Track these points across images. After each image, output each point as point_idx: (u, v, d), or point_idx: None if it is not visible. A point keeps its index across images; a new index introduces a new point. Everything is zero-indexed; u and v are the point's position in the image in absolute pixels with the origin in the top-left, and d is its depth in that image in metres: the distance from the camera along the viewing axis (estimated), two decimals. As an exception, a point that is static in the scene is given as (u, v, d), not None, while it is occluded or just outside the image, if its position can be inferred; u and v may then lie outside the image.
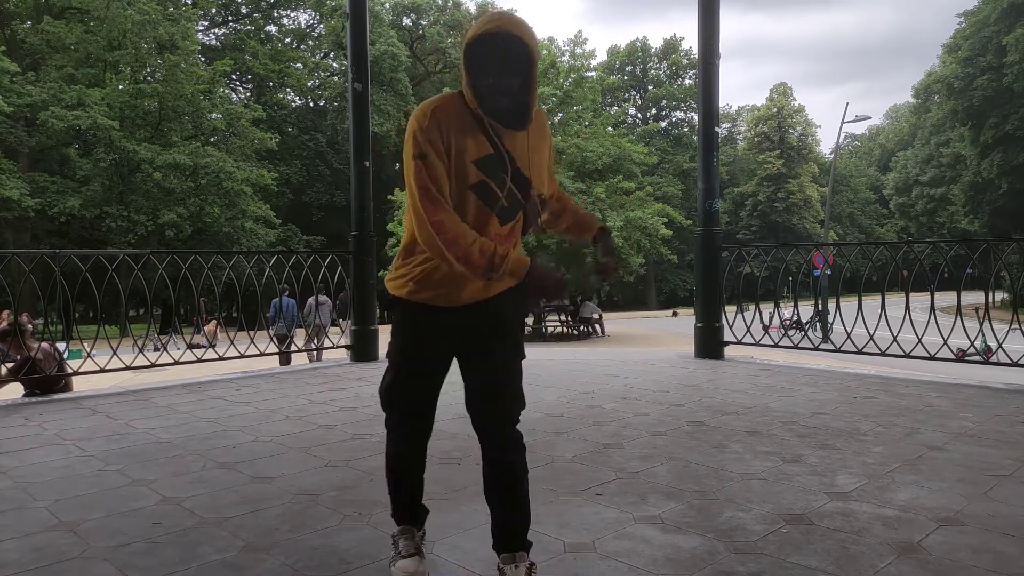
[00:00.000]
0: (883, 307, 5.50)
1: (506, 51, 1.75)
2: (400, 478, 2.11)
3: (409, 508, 2.11)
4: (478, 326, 1.88)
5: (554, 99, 21.62)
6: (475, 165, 1.80)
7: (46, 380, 5.25)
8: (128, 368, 5.46)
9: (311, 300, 11.44)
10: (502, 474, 1.90)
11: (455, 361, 1.96)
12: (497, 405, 1.87)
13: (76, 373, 5.39)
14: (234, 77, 35.74)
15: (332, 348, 6.97)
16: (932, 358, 5.44)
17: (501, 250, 1.73)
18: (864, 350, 5.78)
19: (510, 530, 1.91)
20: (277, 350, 7.10)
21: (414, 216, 1.79)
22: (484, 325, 1.88)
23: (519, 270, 1.73)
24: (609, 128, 25.94)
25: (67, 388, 5.55)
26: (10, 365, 5.32)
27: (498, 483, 1.91)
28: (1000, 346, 5.16)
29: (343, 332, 7.26)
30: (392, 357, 2.01)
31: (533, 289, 1.76)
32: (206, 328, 14.79)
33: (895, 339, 5.49)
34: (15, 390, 5.39)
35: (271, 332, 7.24)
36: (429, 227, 1.73)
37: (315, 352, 6.93)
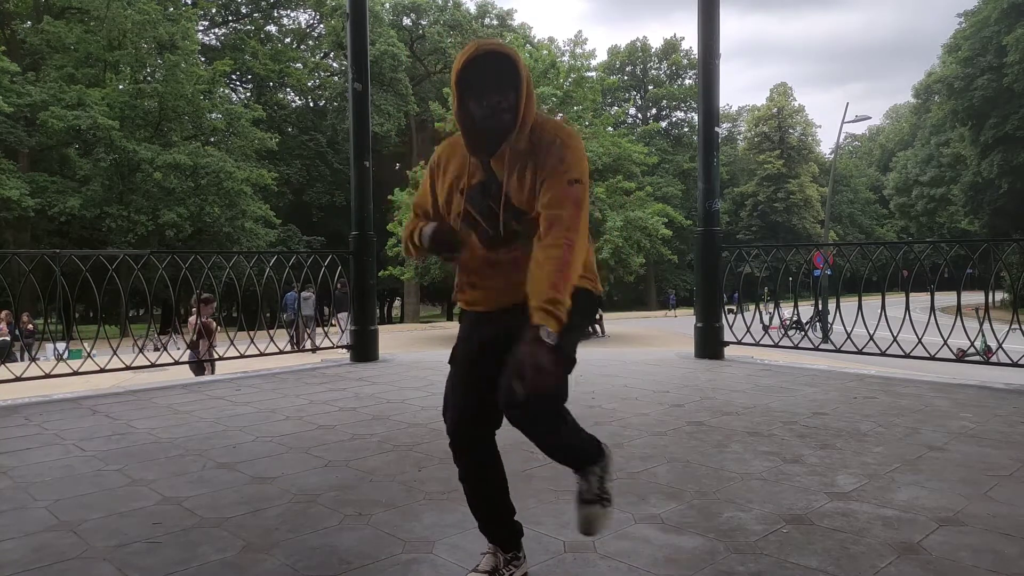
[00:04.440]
0: (883, 307, 5.50)
1: (499, 68, 1.74)
2: (475, 502, 1.99)
3: (494, 532, 1.98)
4: (513, 330, 1.74)
5: (554, 99, 21.62)
6: (462, 194, 1.86)
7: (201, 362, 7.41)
8: (128, 368, 5.46)
9: (290, 294, 11.82)
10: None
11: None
12: (503, 389, 1.67)
13: (76, 373, 5.39)
14: (234, 77, 35.73)
15: (332, 348, 6.97)
16: (932, 358, 5.44)
17: (414, 233, 1.92)
18: (864, 350, 5.78)
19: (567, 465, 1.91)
20: (285, 343, 7.22)
21: None
22: (514, 328, 1.76)
23: (422, 239, 1.88)
24: (609, 128, 25.96)
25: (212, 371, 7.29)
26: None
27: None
28: (1000, 346, 5.16)
29: (343, 331, 7.26)
30: (449, 361, 2.00)
31: (431, 250, 1.88)
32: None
33: (895, 339, 5.49)
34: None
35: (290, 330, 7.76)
36: None
37: (309, 343, 7.15)
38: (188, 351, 7.57)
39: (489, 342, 1.89)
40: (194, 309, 8.11)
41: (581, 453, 1.90)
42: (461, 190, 1.86)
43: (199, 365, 7.55)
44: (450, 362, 1.97)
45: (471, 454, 1.93)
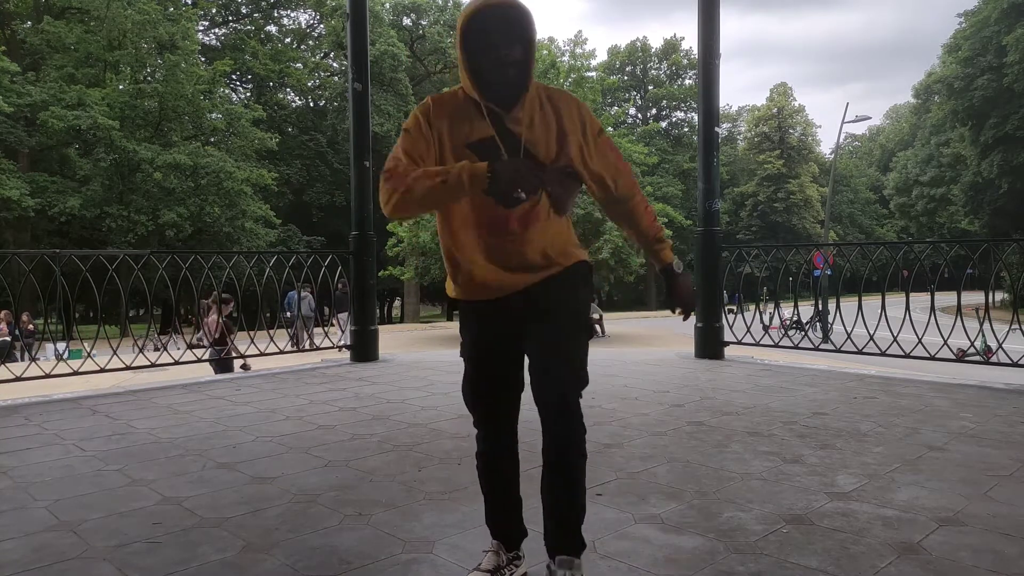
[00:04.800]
0: (883, 307, 5.50)
1: (506, 20, 1.72)
2: (487, 487, 2.03)
3: (501, 525, 2.02)
4: (527, 311, 1.86)
5: (554, 99, 21.56)
6: (470, 149, 1.79)
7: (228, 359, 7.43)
8: (128, 368, 5.46)
9: (291, 293, 11.89)
10: (548, 459, 1.86)
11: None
12: (544, 383, 1.82)
13: (76, 373, 5.39)
14: (234, 77, 35.71)
15: (332, 348, 6.96)
16: (932, 358, 5.44)
17: (455, 169, 1.68)
18: (864, 350, 5.78)
19: (554, 524, 1.86)
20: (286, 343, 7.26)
21: None
22: (533, 309, 1.85)
23: (477, 173, 1.66)
24: (609, 128, 25.96)
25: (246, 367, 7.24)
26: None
27: (545, 468, 1.87)
28: (1000, 346, 5.16)
29: (343, 331, 7.27)
30: (462, 354, 1.99)
31: (503, 187, 1.66)
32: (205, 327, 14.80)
33: (895, 339, 5.49)
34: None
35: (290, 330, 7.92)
36: (381, 177, 1.76)
37: (308, 342, 7.15)
38: (210, 349, 7.85)
39: (499, 336, 1.90)
40: (212, 309, 8.66)
41: (585, 503, 1.91)
42: (468, 145, 1.80)
43: (225, 363, 7.71)
44: (471, 351, 1.95)
45: (495, 446, 1.98)
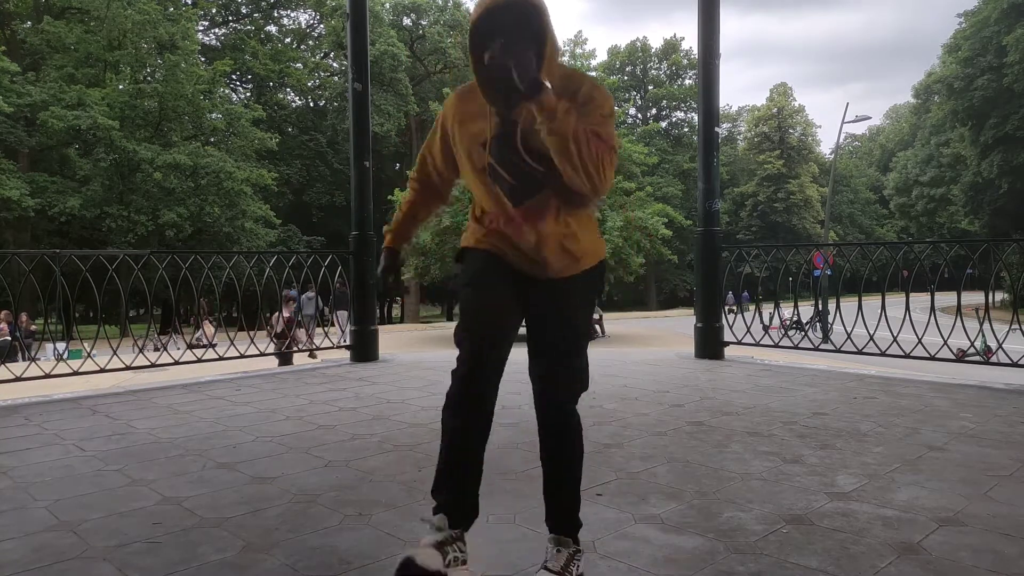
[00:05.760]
0: (883, 307, 5.50)
1: (514, 17, 1.68)
2: (450, 453, 1.95)
3: (454, 502, 1.93)
4: (544, 292, 1.88)
5: (554, 99, 21.54)
6: (484, 148, 1.82)
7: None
8: (128, 368, 5.46)
9: (293, 293, 12.38)
10: (547, 453, 1.95)
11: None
12: (550, 384, 1.90)
13: (76, 373, 5.39)
14: (234, 77, 35.70)
15: (332, 348, 6.96)
16: (932, 358, 5.44)
17: (394, 224, 2.22)
18: (864, 350, 5.78)
19: (552, 509, 1.97)
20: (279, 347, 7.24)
21: None
22: (551, 295, 1.88)
23: (385, 240, 2.23)
24: (609, 128, 25.93)
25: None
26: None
27: (546, 461, 1.96)
28: (1000, 346, 5.16)
29: (343, 331, 7.26)
30: (460, 296, 1.97)
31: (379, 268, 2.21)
32: (204, 328, 14.80)
33: (895, 339, 5.49)
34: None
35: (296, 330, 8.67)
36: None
37: (308, 342, 7.25)
38: (273, 343, 8.31)
39: (508, 282, 1.89)
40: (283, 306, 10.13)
41: (579, 494, 1.99)
42: (483, 143, 1.81)
43: (285, 356, 8.08)
44: (473, 282, 1.91)
45: (480, 401, 1.88)
